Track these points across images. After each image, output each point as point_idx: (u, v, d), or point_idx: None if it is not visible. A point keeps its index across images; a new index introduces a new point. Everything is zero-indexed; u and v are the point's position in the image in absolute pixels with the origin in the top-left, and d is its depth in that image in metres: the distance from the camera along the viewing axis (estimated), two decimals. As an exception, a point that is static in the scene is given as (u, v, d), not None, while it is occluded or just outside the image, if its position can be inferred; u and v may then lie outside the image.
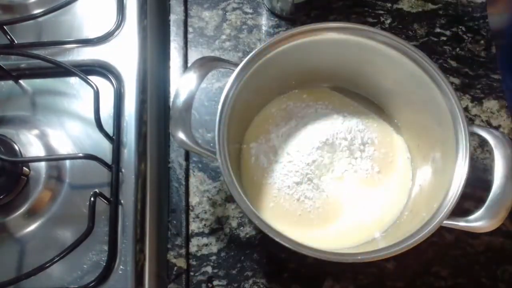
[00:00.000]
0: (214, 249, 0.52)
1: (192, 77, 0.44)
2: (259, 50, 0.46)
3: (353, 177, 0.52)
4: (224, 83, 0.45)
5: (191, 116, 0.44)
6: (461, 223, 0.41)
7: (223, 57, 0.59)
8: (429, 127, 0.48)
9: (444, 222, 0.41)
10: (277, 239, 0.39)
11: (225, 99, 0.44)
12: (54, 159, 0.52)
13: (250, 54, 0.45)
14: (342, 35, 0.47)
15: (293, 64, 0.50)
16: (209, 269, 0.51)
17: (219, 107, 0.44)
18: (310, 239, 0.39)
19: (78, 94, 0.55)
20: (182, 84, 0.44)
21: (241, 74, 0.45)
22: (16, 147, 0.50)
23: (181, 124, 0.43)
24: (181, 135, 0.43)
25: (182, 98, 0.44)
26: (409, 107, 0.52)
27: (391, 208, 0.50)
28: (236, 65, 0.46)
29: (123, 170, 0.50)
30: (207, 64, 0.46)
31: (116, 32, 0.57)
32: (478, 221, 0.40)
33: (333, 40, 0.47)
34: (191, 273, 0.51)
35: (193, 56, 0.60)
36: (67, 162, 0.52)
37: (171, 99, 0.56)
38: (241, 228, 0.52)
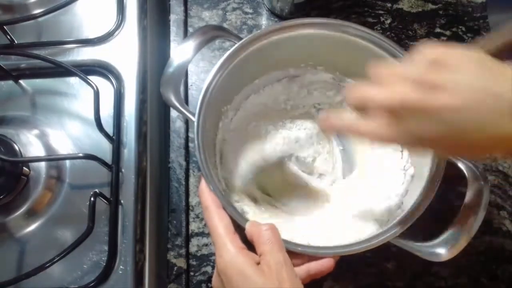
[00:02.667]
0: (214, 249, 0.52)
1: (190, 45, 0.45)
2: (239, 46, 0.46)
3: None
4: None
5: (183, 79, 0.46)
6: (412, 246, 0.40)
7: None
8: None
9: (397, 240, 0.39)
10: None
11: (207, 88, 0.44)
12: (54, 159, 0.52)
13: (232, 48, 0.45)
14: (317, 31, 0.47)
15: (281, 56, 0.50)
16: (209, 269, 0.51)
17: (200, 97, 0.44)
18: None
19: (78, 94, 0.55)
20: (181, 48, 0.45)
21: (225, 64, 0.45)
22: (16, 147, 0.50)
23: (171, 83, 0.44)
24: (169, 94, 0.44)
25: (177, 62, 0.45)
26: None
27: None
28: (239, 38, 0.46)
29: (123, 170, 0.50)
30: (209, 33, 0.46)
31: (116, 32, 0.57)
32: (432, 249, 0.39)
33: (308, 35, 0.47)
34: (191, 273, 0.51)
35: (193, 56, 0.60)
36: (67, 162, 0.52)
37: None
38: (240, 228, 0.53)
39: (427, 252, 0.39)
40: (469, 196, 0.41)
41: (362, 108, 0.35)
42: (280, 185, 0.52)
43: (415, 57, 0.32)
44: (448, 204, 0.48)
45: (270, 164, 0.51)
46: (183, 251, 0.52)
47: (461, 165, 0.42)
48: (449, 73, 0.30)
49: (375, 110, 0.33)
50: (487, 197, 0.40)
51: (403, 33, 0.61)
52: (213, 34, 0.47)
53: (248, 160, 0.50)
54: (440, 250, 0.39)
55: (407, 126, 0.32)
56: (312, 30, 0.47)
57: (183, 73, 0.45)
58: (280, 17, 0.62)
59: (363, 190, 0.50)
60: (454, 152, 0.38)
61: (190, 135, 0.56)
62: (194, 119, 0.43)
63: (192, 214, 0.53)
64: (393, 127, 0.32)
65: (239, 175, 0.50)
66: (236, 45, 0.45)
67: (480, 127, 0.29)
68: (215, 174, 0.45)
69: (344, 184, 0.52)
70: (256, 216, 0.49)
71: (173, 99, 0.44)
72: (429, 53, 0.31)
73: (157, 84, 0.57)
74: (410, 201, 0.42)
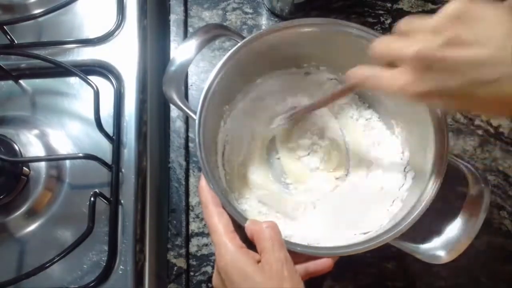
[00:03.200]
0: (214, 248, 0.52)
1: (192, 43, 0.46)
2: (241, 45, 0.45)
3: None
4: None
5: (185, 79, 0.45)
6: (412, 248, 0.39)
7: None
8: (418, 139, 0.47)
9: (397, 242, 0.39)
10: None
11: (209, 86, 0.44)
12: (54, 159, 0.52)
13: (234, 47, 0.45)
14: (317, 31, 0.47)
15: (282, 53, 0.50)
16: (209, 269, 0.51)
17: (202, 95, 0.44)
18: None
19: (78, 94, 0.55)
20: (183, 46, 0.45)
21: (227, 63, 0.45)
22: (16, 147, 0.50)
23: (173, 82, 0.45)
24: (171, 92, 0.44)
25: (179, 60, 0.45)
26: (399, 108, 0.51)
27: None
28: (240, 36, 0.46)
29: (123, 170, 0.50)
30: (210, 31, 0.46)
31: (116, 32, 0.57)
32: (431, 251, 0.39)
33: (308, 35, 0.47)
34: (191, 273, 0.51)
35: (193, 56, 0.60)
36: (67, 162, 0.52)
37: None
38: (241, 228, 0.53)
39: (427, 255, 0.39)
40: (469, 198, 0.41)
41: (386, 60, 0.36)
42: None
43: (441, 11, 0.32)
44: (448, 204, 0.48)
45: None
46: (183, 251, 0.52)
47: (462, 167, 0.42)
48: (473, 26, 0.30)
49: (399, 62, 0.34)
50: (487, 200, 0.40)
51: (403, 33, 0.61)
52: (215, 32, 0.47)
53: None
54: (440, 252, 0.39)
55: (429, 78, 0.32)
56: (313, 30, 0.47)
57: (186, 71, 0.45)
58: (280, 17, 0.62)
59: (364, 191, 0.50)
60: (468, 107, 0.40)
61: (190, 135, 0.56)
62: (196, 117, 0.43)
63: (192, 214, 0.53)
64: (414, 78, 0.33)
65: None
66: (238, 44, 0.45)
67: (496, 84, 0.29)
68: (215, 172, 0.45)
69: (345, 185, 0.52)
70: (256, 215, 0.49)
71: (176, 98, 0.44)
72: (454, 7, 0.32)
73: (157, 84, 0.58)
74: (410, 202, 0.42)
